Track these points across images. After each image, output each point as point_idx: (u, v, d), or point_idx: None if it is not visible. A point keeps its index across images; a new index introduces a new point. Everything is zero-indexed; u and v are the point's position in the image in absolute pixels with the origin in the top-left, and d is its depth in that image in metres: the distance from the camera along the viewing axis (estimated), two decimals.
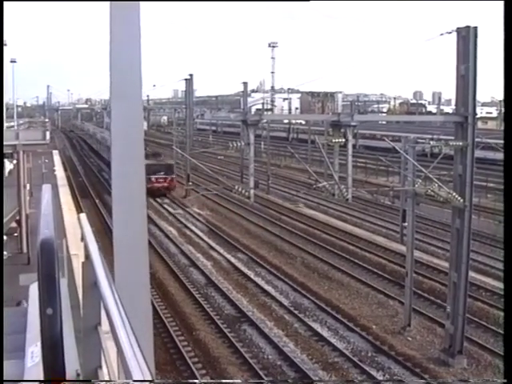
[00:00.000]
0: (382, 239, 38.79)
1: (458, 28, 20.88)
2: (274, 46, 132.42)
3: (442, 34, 21.16)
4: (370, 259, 34.39)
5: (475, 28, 20.77)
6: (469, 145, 20.83)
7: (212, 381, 19.74)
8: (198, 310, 27.31)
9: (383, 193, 49.01)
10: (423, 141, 41.38)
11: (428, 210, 42.48)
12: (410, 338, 24.39)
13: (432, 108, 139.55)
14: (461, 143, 20.76)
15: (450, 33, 20.77)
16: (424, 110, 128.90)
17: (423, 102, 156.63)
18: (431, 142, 24.12)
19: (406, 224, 37.49)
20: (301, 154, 76.05)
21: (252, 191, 22.57)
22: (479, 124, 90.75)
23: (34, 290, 5.41)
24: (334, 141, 22.90)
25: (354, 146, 36.76)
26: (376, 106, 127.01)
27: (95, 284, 3.26)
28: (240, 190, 22.57)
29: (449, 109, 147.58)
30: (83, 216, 4.91)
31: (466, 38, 20.69)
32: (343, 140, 23.09)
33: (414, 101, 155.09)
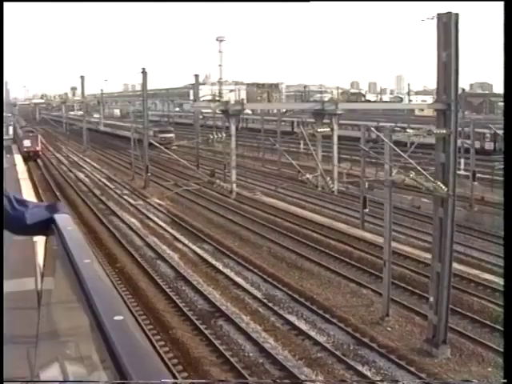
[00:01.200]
0: (344, 226, 37.12)
1: (438, 14, 19.05)
2: (221, 40, 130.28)
3: (423, 20, 19.31)
4: (335, 247, 32.62)
5: (456, 14, 18.97)
6: (452, 133, 19.05)
7: (212, 380, 17.62)
8: (171, 305, 25.12)
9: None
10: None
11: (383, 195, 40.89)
12: (389, 329, 22.63)
13: (371, 97, 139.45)
14: (444, 131, 18.96)
15: (432, 19, 18.93)
16: (363, 99, 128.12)
17: (362, 91, 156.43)
18: (409, 131, 22.24)
19: (366, 210, 36.11)
20: (252, 142, 74.67)
21: (234, 185, 20.29)
22: (416, 112, 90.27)
23: None
24: (319, 130, 20.88)
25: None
26: (319, 95, 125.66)
27: None
28: (221, 184, 20.27)
29: (386, 97, 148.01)
30: None
31: (448, 25, 18.87)
32: (327, 129, 21.08)
33: (353, 90, 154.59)
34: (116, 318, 1.94)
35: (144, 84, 57.26)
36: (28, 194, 41.08)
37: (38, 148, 73.64)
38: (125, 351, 1.75)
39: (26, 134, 75.26)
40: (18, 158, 59.88)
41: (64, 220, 3.32)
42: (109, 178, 60.70)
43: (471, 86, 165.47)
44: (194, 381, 18.28)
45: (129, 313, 2.06)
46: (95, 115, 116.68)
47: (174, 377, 17.97)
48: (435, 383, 14.94)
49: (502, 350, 20.05)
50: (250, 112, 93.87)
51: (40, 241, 7.16)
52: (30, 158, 70.63)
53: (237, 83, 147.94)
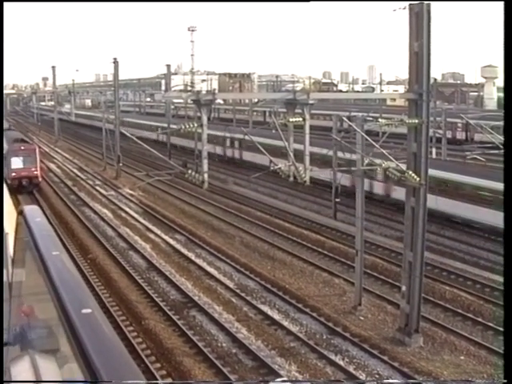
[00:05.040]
0: (316, 215, 37.21)
1: (410, 4, 19.05)
2: (193, 30, 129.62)
3: (394, 10, 19.27)
4: (307, 236, 32.67)
5: (428, 4, 18.99)
6: (424, 122, 19.12)
7: (211, 380, 17.57)
8: (144, 296, 24.99)
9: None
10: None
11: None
12: (362, 318, 22.72)
13: (343, 87, 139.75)
14: (416, 121, 19.02)
15: (404, 8, 18.91)
16: (335, 88, 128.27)
17: (333, 81, 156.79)
18: (381, 121, 22.22)
19: (338, 200, 36.17)
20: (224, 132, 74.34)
21: (206, 175, 20.17)
22: (388, 101, 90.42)
23: None
24: (290, 120, 20.80)
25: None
26: (291, 85, 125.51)
27: None
28: (193, 174, 20.12)
29: (358, 87, 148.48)
30: None
31: (420, 14, 18.89)
32: (299, 119, 21.01)
33: (325, 80, 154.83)
34: (84, 311, 1.90)
35: (115, 74, 56.80)
36: None
37: (37, 172, 45.36)
38: (93, 345, 1.72)
39: (16, 145, 46.27)
40: None
41: (33, 211, 3.26)
42: (80, 168, 60.28)
43: (443, 75, 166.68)
44: (175, 382, 18.29)
45: (97, 306, 2.03)
46: (66, 105, 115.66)
47: (143, 372, 18.00)
48: (436, 383, 15.03)
49: (474, 338, 20.39)
50: (221, 102, 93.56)
51: (11, 232, 7.06)
52: (20, 188, 44.11)
53: (209, 73, 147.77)
